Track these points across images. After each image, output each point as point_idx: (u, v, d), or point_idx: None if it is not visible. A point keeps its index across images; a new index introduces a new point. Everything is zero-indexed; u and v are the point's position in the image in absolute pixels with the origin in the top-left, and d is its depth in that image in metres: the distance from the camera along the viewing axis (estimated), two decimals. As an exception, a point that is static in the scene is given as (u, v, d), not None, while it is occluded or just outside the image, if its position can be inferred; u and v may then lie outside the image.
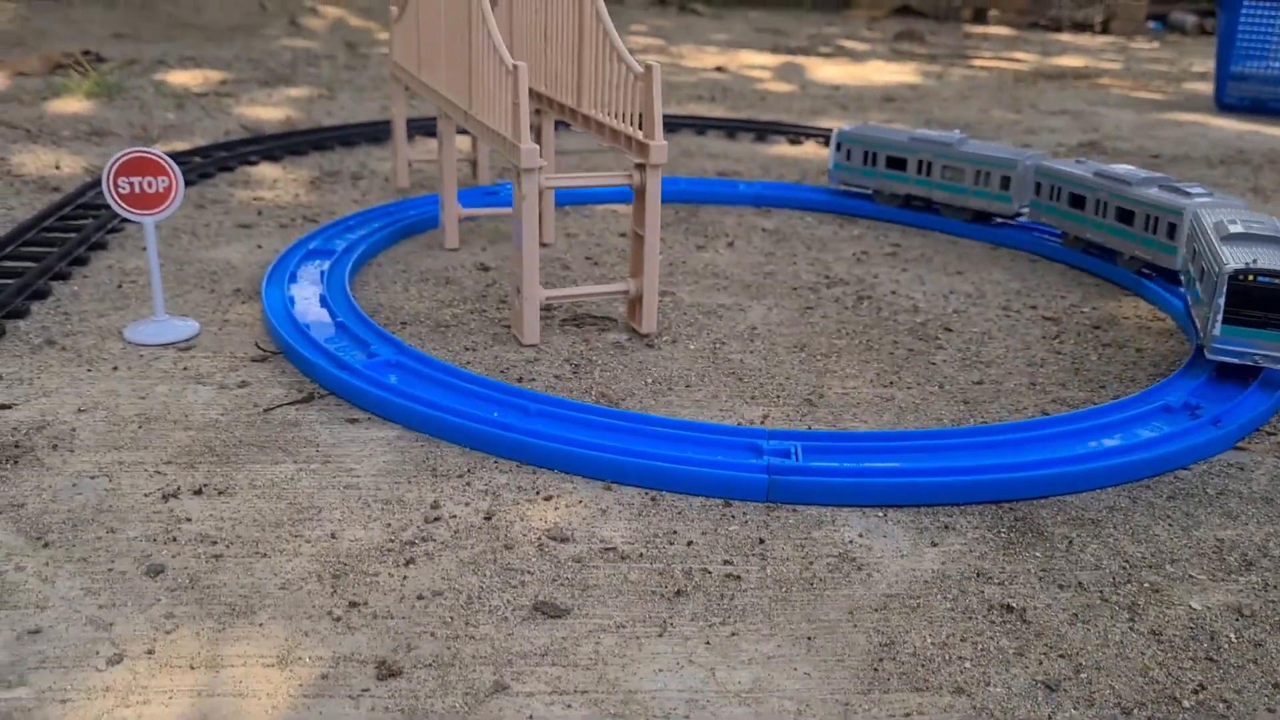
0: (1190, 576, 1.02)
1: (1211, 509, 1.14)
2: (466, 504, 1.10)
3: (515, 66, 1.41)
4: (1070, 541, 1.07)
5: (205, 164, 2.40)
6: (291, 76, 3.78)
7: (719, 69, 4.81)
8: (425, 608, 0.93)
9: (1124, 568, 1.03)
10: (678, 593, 0.97)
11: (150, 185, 1.45)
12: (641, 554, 1.02)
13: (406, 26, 2.11)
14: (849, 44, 6.45)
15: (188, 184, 2.28)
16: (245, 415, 1.27)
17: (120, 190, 1.44)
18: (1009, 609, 0.96)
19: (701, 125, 3.24)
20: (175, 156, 2.44)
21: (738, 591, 0.97)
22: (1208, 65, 5.81)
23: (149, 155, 1.44)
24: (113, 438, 1.20)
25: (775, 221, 2.25)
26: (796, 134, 3.16)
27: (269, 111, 3.15)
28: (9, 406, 1.27)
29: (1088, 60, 6.10)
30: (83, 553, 0.99)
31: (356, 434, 1.24)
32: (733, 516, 1.10)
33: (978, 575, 1.01)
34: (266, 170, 2.48)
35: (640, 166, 1.50)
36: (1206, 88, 4.73)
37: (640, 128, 1.50)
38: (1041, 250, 2.08)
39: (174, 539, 1.02)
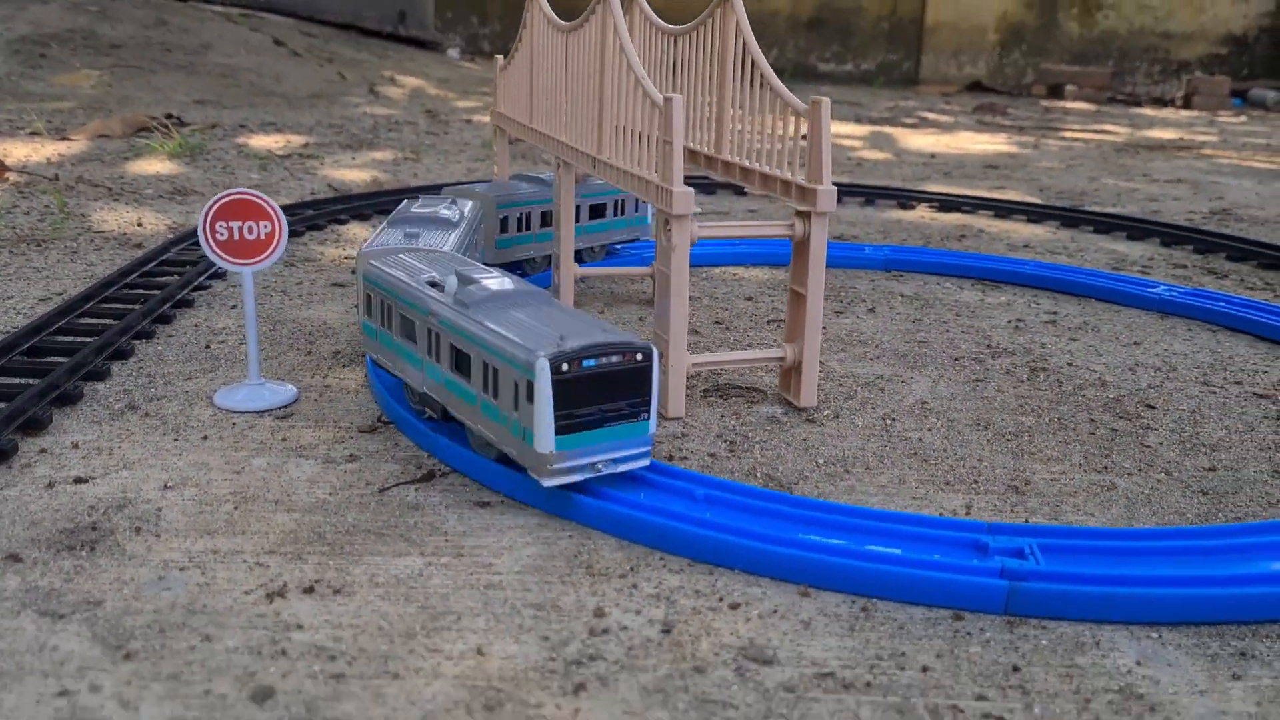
0: None
1: None
2: (637, 612, 0.89)
3: (669, 99, 1.23)
4: None
5: (293, 221, 2.25)
6: (374, 141, 3.67)
7: (805, 137, 4.65)
8: (610, 754, 0.72)
9: None
10: (929, 738, 0.75)
11: (251, 231, 1.28)
12: (869, 683, 0.81)
13: (516, 72, 1.95)
14: (931, 115, 6.29)
15: (276, 241, 2.13)
16: (357, 495, 1.08)
17: (218, 236, 1.27)
18: (1379, 773, 0.73)
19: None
20: (261, 214, 2.29)
21: (1005, 738, 0.75)
22: (1314, 137, 5.59)
23: (251, 197, 1.27)
24: (204, 520, 1.01)
25: (911, 287, 2.04)
26: (906, 198, 2.97)
27: (354, 173, 3.02)
28: (86, 480, 1.09)
29: (1181, 133, 5.88)
30: (172, 668, 0.79)
31: (490, 520, 1.04)
32: (969, 635, 0.88)
33: (1314, 722, 0.78)
34: (357, 229, 2.32)
35: (803, 215, 1.30)
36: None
37: (804, 171, 1.31)
38: (1218, 319, 1.85)
39: (283, 652, 0.82)
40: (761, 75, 1.40)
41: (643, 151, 1.34)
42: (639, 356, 1.02)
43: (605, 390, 1.01)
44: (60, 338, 1.47)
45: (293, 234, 2.21)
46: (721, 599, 0.91)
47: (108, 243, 2.08)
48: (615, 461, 1.03)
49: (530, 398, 0.98)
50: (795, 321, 1.35)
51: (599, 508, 1.01)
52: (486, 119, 4.44)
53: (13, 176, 2.65)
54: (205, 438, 1.20)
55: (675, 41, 1.64)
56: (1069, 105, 8.06)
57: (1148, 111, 7.78)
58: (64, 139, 3.30)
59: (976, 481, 1.18)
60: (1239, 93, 8.98)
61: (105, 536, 0.98)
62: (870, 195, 2.99)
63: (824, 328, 1.73)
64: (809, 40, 10.47)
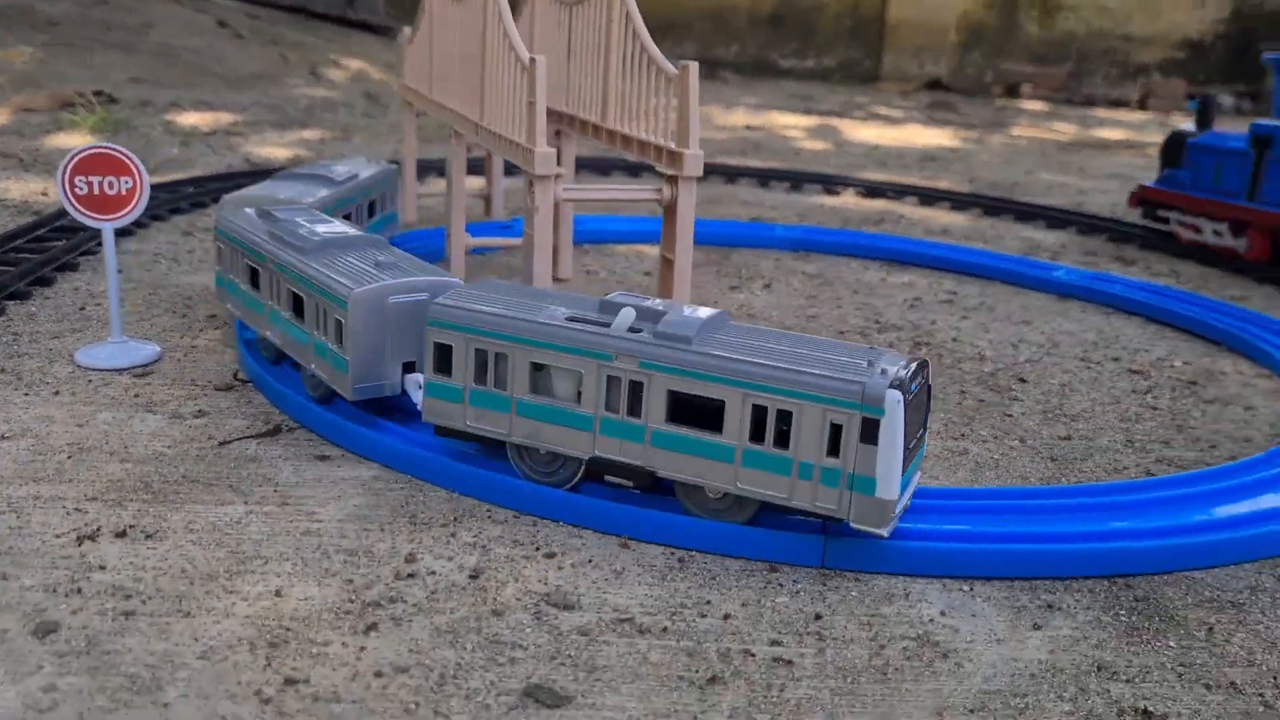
0: (1373, 677, 0.79)
1: (1378, 592, 0.92)
2: (449, 559, 0.88)
3: (533, 60, 1.23)
4: (1210, 629, 0.85)
5: (199, 194, 2.23)
6: (306, 121, 3.64)
7: (750, 127, 4.66)
8: (384, 689, 0.71)
9: (1285, 663, 0.80)
10: (712, 679, 0.75)
11: (111, 186, 1.26)
12: (665, 628, 0.81)
13: (419, 45, 1.94)
14: (883, 110, 6.31)
15: (175, 211, 2.11)
16: (196, 448, 1.07)
17: (77, 190, 1.25)
18: (1147, 714, 0.73)
19: (732, 173, 3.06)
20: (170, 186, 2.27)
21: (789, 680, 0.75)
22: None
23: (111, 152, 1.26)
24: (34, 469, 1.00)
25: (816, 266, 2.05)
26: (833, 183, 2.98)
27: (277, 151, 3.00)
28: (-80, 431, 1.07)
29: (1130, 134, 5.94)
30: (-41, 606, 0.78)
31: (325, 472, 1.03)
32: (780, 585, 0.88)
33: (1099, 669, 0.79)
34: (267, 202, 2.30)
35: (672, 180, 1.30)
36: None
37: (673, 137, 1.31)
38: (1114, 302, 1.87)
39: (79, 590, 0.81)
40: (641, 43, 1.40)
41: (513, 114, 1.33)
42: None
43: (922, 415, 0.92)
44: (-72, 296, 1.45)
45: (198, 205, 2.19)
46: (539, 548, 0.91)
47: (5, 210, 2.05)
48: (910, 500, 0.93)
49: (874, 439, 0.84)
50: (665, 288, 1.35)
51: (429, 459, 1.01)
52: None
53: (-77, 145, 2.61)
54: (57, 393, 1.19)
55: (571, 12, 1.64)
56: (1024, 105, 8.12)
57: (1101, 112, 7.85)
58: (-13, 112, 3.25)
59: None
60: (1195, 96, 9.07)
61: (-76, 482, 0.96)
62: (797, 180, 3.00)
63: (715, 303, 1.73)
64: (769, 36, 10.47)
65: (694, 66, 1.28)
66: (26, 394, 1.18)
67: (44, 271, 1.60)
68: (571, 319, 0.94)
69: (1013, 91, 9.22)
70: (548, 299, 0.99)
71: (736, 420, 0.87)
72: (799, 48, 10.45)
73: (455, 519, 0.95)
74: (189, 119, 3.44)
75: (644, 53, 1.38)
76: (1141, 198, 2.46)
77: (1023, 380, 1.44)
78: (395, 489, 1.00)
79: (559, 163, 1.82)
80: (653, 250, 2.08)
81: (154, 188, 2.24)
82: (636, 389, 0.90)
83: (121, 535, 0.89)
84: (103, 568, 0.84)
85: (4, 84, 3.85)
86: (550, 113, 1.72)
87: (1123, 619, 0.86)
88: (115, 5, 5.01)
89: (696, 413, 0.90)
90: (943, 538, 0.92)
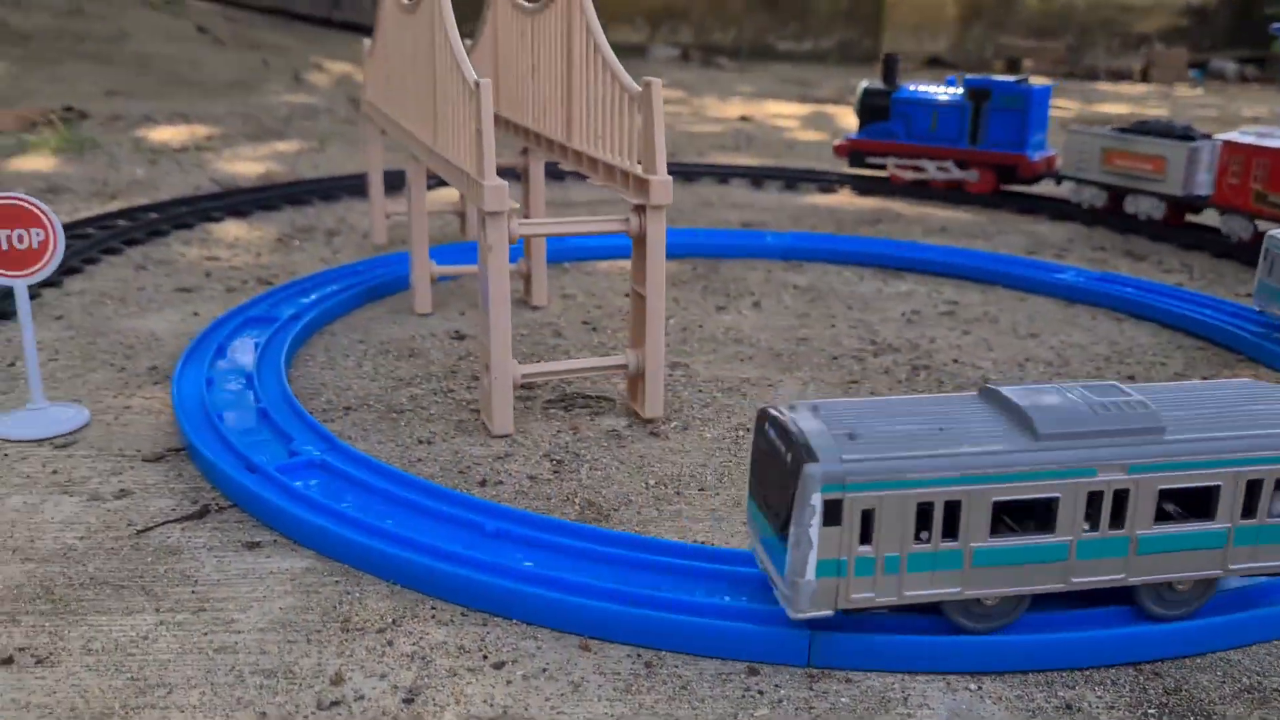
0: None
1: None
2: (382, 676, 0.77)
3: (478, 83, 1.11)
4: (1257, 734, 0.74)
5: (159, 220, 2.12)
6: (283, 131, 3.53)
7: (744, 118, 4.53)
8: None
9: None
10: (677, 834, 0.64)
11: (21, 240, 1.15)
12: (626, 762, 0.70)
13: (378, 57, 1.82)
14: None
15: (131, 242, 1.99)
16: (111, 539, 0.96)
17: (-16, 246, 1.14)
18: None
19: (724, 173, 2.94)
20: (129, 213, 2.16)
21: (769, 829, 0.64)
22: (1256, 109, 5.51)
23: (21, 203, 1.14)
24: (-77, 574, 0.89)
25: (809, 277, 1.93)
26: (829, 182, 2.86)
27: (249, 166, 2.88)
28: None
29: (1132, 107, 5.79)
30: None
31: (253, 565, 0.92)
32: (760, 693, 0.77)
33: (1131, 798, 0.67)
34: (230, 228, 2.19)
35: (639, 209, 1.19)
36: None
37: (640, 161, 1.20)
38: (1125, 307, 1.75)
39: (-53, 742, 0.70)
40: (603, 57, 1.28)
41: (464, 141, 1.22)
42: None
43: None
44: None
45: (156, 233, 2.07)
46: (486, 656, 0.80)
47: (-50, 248, 1.94)
48: None
49: None
50: (638, 325, 1.24)
51: (367, 547, 0.90)
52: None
53: (-125, 177, 2.50)
54: (-34, 472, 1.08)
55: (531, 21, 1.52)
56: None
57: (1103, 86, 7.70)
58: (-50, 135, 3.14)
59: (820, 501, 1.06)
60: (1198, 64, 8.91)
61: None
62: (791, 179, 2.88)
63: (700, 326, 1.62)
64: (766, 19, 10.33)
65: (657, 84, 1.16)
66: (-66, 475, 1.07)
67: (-24, 322, 1.49)
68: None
69: (1013, 66, 9.06)
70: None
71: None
72: (797, 30, 10.31)
73: (394, 621, 0.84)
74: (161, 134, 3.33)
75: (606, 67, 1.26)
76: (851, 149, 2.85)
77: (1032, 408, 1.32)
78: (329, 584, 0.89)
79: (526, 180, 1.72)
80: (635, 266, 1.96)
81: (113, 213, 2.13)
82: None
83: (7, 663, 0.78)
84: (-21, 707, 0.73)
85: (-28, 103, 3.74)
86: (517, 129, 1.61)
87: (1152, 716, 0.75)
88: (90, 15, 4.91)
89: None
90: (943, 628, 0.80)
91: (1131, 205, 2.36)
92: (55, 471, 1.09)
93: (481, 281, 1.17)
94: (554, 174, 2.45)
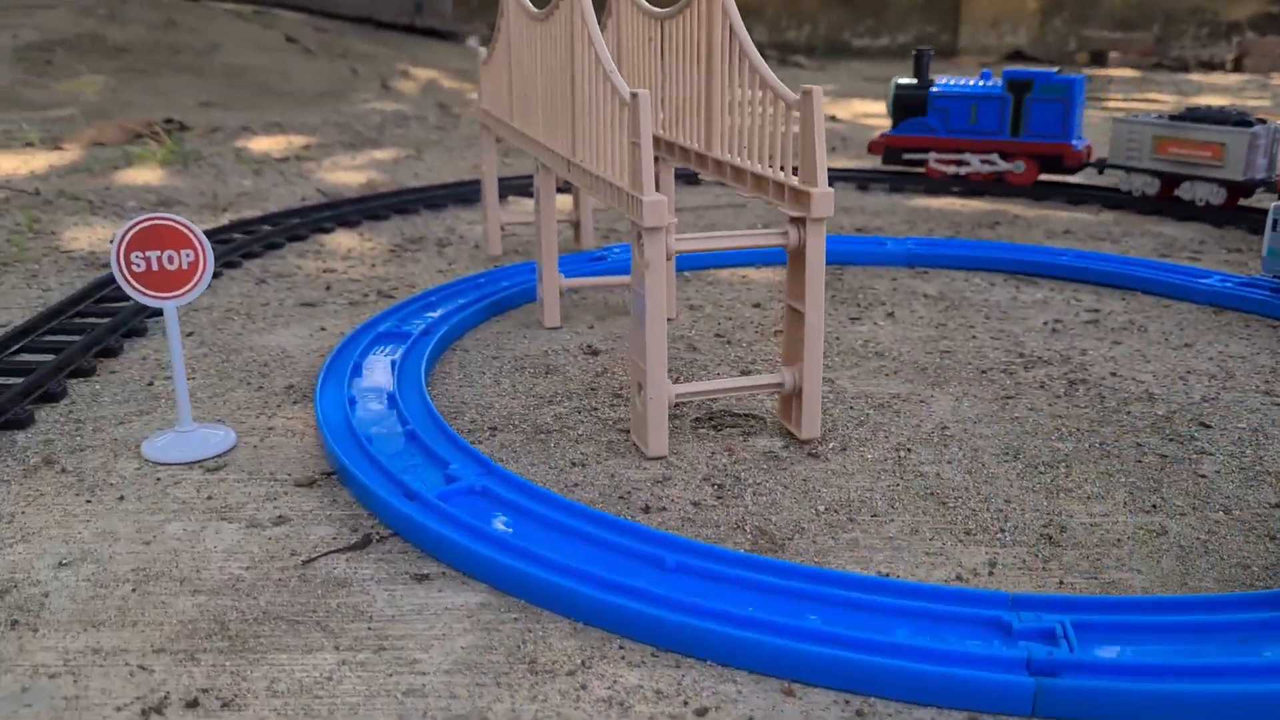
0: None
1: None
2: (581, 725, 0.73)
3: (635, 95, 1.07)
4: None
5: (274, 233, 2.11)
6: (379, 139, 3.53)
7: (833, 118, 4.46)
8: None
9: None
10: None
11: (171, 261, 1.13)
12: (859, 825, 0.65)
13: (497, 66, 1.80)
14: (967, 90, 6.04)
15: (249, 255, 1.99)
16: (278, 569, 0.93)
17: (134, 268, 1.13)
18: None
19: (829, 177, 2.87)
20: (242, 226, 2.16)
21: None
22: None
23: (170, 223, 1.13)
24: (94, 609, 0.87)
25: (937, 285, 1.87)
26: (933, 183, 2.78)
27: (351, 175, 2.88)
28: (-27, 558, 0.95)
29: (1232, 99, 5.61)
30: (5, 821, 0.65)
31: (426, 600, 0.89)
32: (987, 747, 0.72)
33: None
34: (342, 239, 2.18)
35: (798, 221, 1.14)
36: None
37: (796, 172, 1.15)
38: (1274, 312, 1.66)
39: (145, 793, 0.67)
40: (749, 62, 1.23)
41: (613, 154, 1.18)
42: None
43: None
44: (-12, 379, 1.34)
45: (272, 246, 2.07)
46: (687, 702, 0.76)
47: (73, 263, 1.95)
48: None
49: None
50: (793, 342, 1.19)
51: (548, 582, 0.86)
52: (501, 111, 4.28)
53: (-8, 192, 2.54)
54: (122, 498, 1.06)
55: (663, 27, 1.48)
56: (1112, 73, 7.78)
57: (1195, 77, 7.48)
58: (57, 149, 3.19)
59: (1002, 530, 1.01)
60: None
61: (-27, 634, 0.84)
62: (897, 181, 2.81)
63: (837, 338, 1.56)
64: (842, 16, 10.23)
65: (817, 91, 1.11)
66: (89, 501, 1.06)
67: (110, 340, 1.48)
68: None
69: (1098, 59, 8.87)
70: None
71: None
72: (873, 25, 10.18)
73: (583, 663, 0.80)
74: (260, 144, 3.35)
75: (755, 73, 1.21)
76: (887, 146, 2.84)
77: (1205, 425, 1.25)
78: (508, 621, 0.85)
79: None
80: (760, 275, 1.92)
81: (226, 226, 2.14)
82: None
83: (193, 706, 0.75)
84: (173, 755, 0.70)
85: (76, 115, 3.80)
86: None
87: None
88: (183, 27, 4.97)
89: None
90: (1187, 673, 0.74)
91: (1188, 192, 2.41)
92: (210, 497, 1.07)
93: (635, 299, 1.13)
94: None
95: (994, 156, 2.66)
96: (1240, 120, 2.32)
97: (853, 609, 0.83)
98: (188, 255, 1.14)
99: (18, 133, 3.46)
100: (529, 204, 2.55)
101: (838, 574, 0.87)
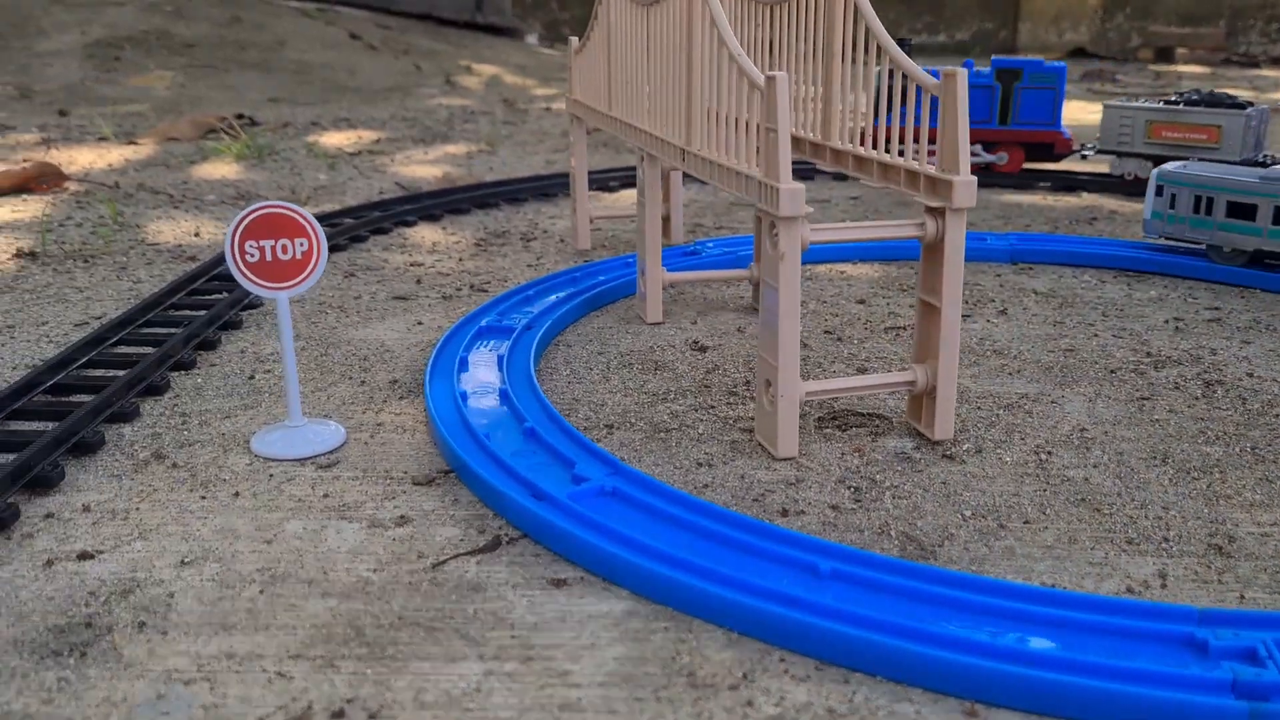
0: None
1: None
2: (754, 745, 0.68)
3: (771, 78, 1.02)
4: None
5: (356, 226, 2.09)
6: (448, 134, 3.51)
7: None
8: None
9: None
10: None
11: (285, 250, 1.10)
12: None
13: (593, 55, 1.75)
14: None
15: (335, 249, 1.96)
16: (407, 572, 0.89)
17: (248, 258, 1.09)
18: None
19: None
20: (324, 219, 2.13)
21: None
22: None
23: (285, 212, 1.09)
24: (223, 610, 0.84)
25: (1045, 282, 1.80)
26: (1022, 178, 2.70)
27: (425, 169, 2.86)
28: (92, 556, 0.92)
29: (1312, 94, 5.45)
30: (156, 838, 0.61)
31: (567, 606, 0.84)
32: (1200, 778, 0.66)
33: None
34: (425, 232, 2.15)
35: (935, 212, 1.08)
36: None
37: (934, 160, 1.09)
38: None
39: (300, 811, 0.63)
40: (879, 45, 1.18)
41: (741, 141, 1.13)
42: None
43: None
44: (89, 371, 1.31)
45: (356, 239, 2.04)
46: (862, 722, 0.71)
47: (160, 256, 1.93)
48: None
49: None
50: (927, 338, 1.13)
51: (698, 589, 0.81)
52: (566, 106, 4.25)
53: (72, 186, 2.54)
54: (237, 494, 1.03)
55: (772, 12, 1.43)
56: (1181, 69, 7.61)
57: (1268, 72, 7.30)
58: (131, 143, 3.19)
59: (1166, 539, 0.95)
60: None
61: (101, 636, 0.80)
62: (981, 177, 2.73)
63: (951, 335, 1.50)
64: (898, 12, 10.11)
65: (962, 74, 1.05)
66: (204, 497, 1.02)
67: (208, 333, 1.46)
68: None
69: (1164, 56, 8.69)
70: None
71: None
72: (930, 22, 10.05)
73: (745, 676, 0.75)
74: (331, 139, 3.34)
75: (886, 55, 1.16)
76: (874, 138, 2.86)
77: (1362, 429, 1.18)
78: (658, 630, 0.81)
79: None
80: (857, 270, 1.86)
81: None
82: None
83: (339, 716, 0.71)
84: (324, 770, 0.66)
85: (147, 111, 3.82)
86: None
87: None
88: (249, 24, 4.99)
89: None
90: None
91: None
92: (326, 495, 1.03)
93: (766, 292, 1.07)
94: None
95: (978, 148, 2.66)
96: (1233, 104, 2.38)
97: (1029, 623, 0.77)
98: (301, 245, 1.10)
99: (91, 127, 3.47)
100: (609, 198, 2.51)
101: (1012, 585, 0.81)
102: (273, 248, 1.09)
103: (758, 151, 1.08)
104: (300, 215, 1.09)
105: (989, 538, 0.95)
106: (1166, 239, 1.87)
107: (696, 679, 0.75)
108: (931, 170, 1.09)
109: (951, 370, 1.12)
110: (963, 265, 1.09)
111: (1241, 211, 1.76)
